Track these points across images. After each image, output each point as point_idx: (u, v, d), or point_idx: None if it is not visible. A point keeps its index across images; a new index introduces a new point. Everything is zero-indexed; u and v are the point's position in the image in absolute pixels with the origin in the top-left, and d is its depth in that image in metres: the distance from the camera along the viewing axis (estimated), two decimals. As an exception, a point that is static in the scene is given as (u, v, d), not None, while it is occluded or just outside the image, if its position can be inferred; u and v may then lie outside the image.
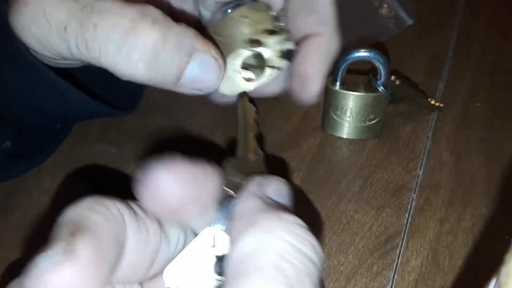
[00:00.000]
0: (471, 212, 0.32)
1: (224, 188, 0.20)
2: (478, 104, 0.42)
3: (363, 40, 0.47)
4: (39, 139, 0.36)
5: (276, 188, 0.19)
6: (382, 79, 0.35)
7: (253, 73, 0.29)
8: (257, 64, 0.29)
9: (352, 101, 0.36)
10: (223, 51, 0.27)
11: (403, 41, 0.49)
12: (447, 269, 0.29)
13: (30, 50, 0.27)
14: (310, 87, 0.31)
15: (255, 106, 0.29)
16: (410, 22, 0.50)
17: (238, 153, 0.24)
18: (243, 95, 0.29)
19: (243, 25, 0.28)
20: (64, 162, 0.36)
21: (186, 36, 0.24)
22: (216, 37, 0.29)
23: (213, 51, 0.25)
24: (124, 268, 0.18)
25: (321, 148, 0.38)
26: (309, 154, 0.37)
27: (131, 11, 0.23)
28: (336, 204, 0.33)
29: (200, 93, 0.26)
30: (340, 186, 0.35)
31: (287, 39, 0.29)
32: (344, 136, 0.38)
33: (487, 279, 0.20)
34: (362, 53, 0.35)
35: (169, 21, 0.24)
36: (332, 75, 0.36)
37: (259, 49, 0.28)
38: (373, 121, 0.37)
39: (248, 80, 0.29)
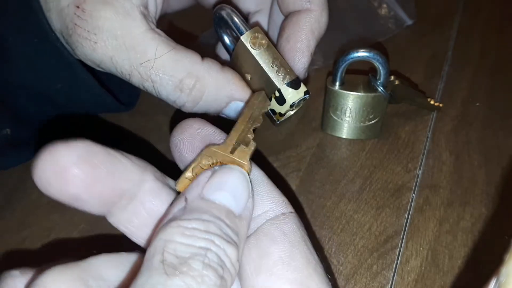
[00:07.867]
0: (470, 212, 0.32)
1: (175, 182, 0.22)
2: (477, 104, 0.42)
3: (362, 40, 0.47)
4: (38, 129, 0.36)
5: (219, 182, 0.20)
6: (382, 79, 0.35)
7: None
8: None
9: (351, 101, 0.36)
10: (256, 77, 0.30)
11: (402, 41, 0.49)
12: (447, 269, 0.29)
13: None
14: (299, 62, 0.31)
15: (270, 100, 0.29)
16: (409, 22, 0.51)
17: (225, 139, 0.24)
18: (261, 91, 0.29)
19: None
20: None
21: (227, 85, 0.30)
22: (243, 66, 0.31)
23: (246, 96, 0.30)
24: None
25: (320, 148, 0.38)
26: (309, 154, 0.37)
27: (181, 69, 0.28)
28: (335, 204, 0.33)
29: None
30: (339, 186, 0.35)
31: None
32: (344, 136, 0.38)
33: (487, 279, 0.20)
34: (362, 53, 0.35)
35: (214, 71, 0.29)
36: (331, 75, 0.36)
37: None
38: (373, 121, 0.37)
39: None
